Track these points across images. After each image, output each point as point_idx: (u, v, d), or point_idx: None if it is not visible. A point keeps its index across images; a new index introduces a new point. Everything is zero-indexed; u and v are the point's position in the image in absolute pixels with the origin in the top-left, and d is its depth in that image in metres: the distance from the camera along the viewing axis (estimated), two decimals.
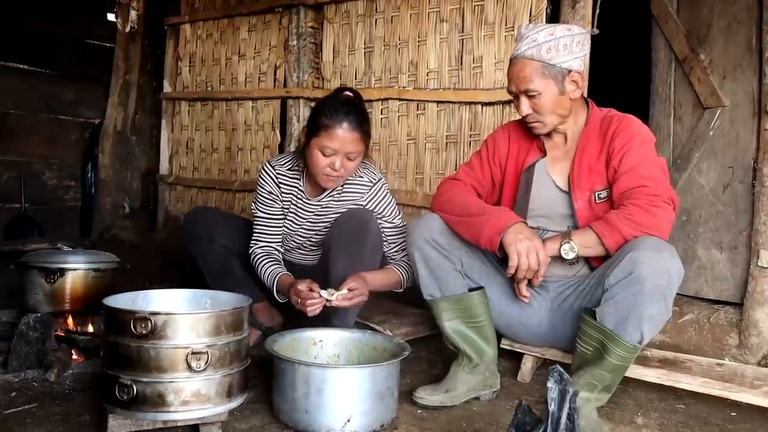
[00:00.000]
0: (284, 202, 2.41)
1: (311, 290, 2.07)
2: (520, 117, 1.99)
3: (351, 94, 2.31)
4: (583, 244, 1.82)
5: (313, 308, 2.06)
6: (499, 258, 1.95)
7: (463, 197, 2.01)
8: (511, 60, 1.95)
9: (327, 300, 2.06)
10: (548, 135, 2.03)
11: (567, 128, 2.01)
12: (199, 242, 2.47)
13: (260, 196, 2.40)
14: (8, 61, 4.41)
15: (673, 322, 2.45)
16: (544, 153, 2.04)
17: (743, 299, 2.35)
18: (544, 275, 1.86)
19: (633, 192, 1.81)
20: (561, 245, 1.82)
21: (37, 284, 2.34)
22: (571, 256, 1.82)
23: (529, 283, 1.92)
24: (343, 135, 2.16)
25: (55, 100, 4.68)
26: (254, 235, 2.40)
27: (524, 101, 1.93)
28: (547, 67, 1.88)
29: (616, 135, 1.92)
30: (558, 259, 1.86)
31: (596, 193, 1.94)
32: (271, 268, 2.29)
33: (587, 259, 1.98)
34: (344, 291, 2.07)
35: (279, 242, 2.42)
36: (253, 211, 2.42)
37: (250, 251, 2.38)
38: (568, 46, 1.88)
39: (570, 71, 1.89)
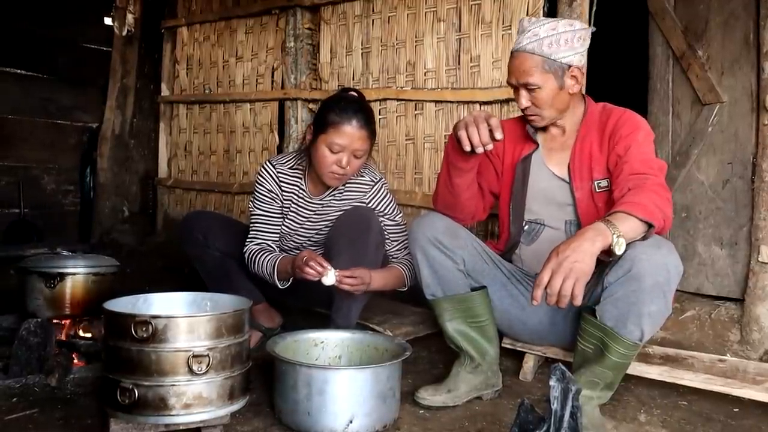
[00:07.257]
0: (285, 201, 2.40)
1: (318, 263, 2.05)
2: (520, 109, 1.99)
3: (356, 94, 2.31)
4: (629, 230, 1.59)
5: (312, 274, 2.04)
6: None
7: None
8: (512, 53, 1.94)
9: (326, 270, 2.03)
10: (544, 128, 2.04)
11: (565, 122, 2.01)
12: (196, 246, 2.46)
13: (259, 194, 2.39)
14: (5, 66, 4.40)
15: (675, 318, 2.45)
16: (536, 145, 2.05)
17: (744, 295, 2.35)
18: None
19: (647, 177, 1.76)
20: (612, 240, 1.55)
21: (37, 289, 2.33)
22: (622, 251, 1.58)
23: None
24: (351, 132, 2.17)
25: (53, 105, 4.67)
26: (251, 232, 2.38)
27: (524, 94, 1.92)
28: (547, 62, 1.87)
29: (621, 124, 1.92)
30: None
31: (596, 182, 1.94)
32: (269, 256, 2.27)
33: None
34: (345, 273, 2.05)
35: (275, 241, 2.40)
36: (251, 209, 2.41)
37: (245, 249, 2.35)
38: (570, 41, 1.86)
39: (570, 66, 1.88)
